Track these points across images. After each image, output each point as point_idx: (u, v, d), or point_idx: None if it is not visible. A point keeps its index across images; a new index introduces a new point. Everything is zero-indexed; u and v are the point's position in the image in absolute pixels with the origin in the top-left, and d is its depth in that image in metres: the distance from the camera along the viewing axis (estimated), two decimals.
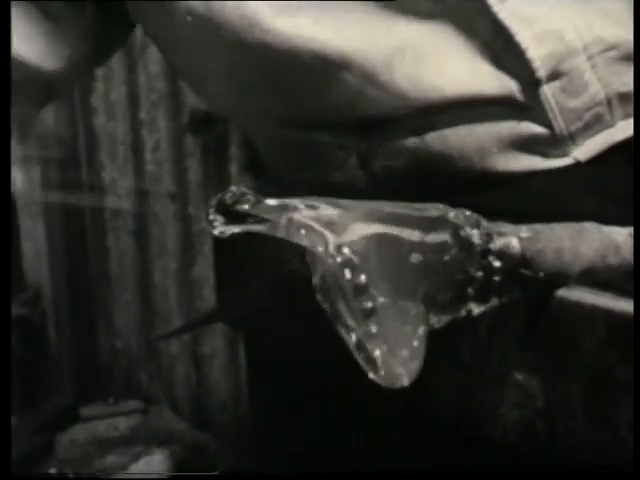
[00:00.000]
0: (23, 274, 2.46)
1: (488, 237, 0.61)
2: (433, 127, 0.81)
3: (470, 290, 0.60)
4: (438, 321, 0.60)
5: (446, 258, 0.59)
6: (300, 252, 0.72)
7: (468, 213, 0.62)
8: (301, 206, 0.59)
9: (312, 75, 0.81)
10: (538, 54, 0.78)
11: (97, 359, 2.40)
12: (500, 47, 0.79)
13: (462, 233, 0.60)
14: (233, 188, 0.60)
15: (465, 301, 0.60)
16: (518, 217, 0.69)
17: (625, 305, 0.61)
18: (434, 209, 0.62)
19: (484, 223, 0.62)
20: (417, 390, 0.71)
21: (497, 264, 0.60)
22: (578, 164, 0.81)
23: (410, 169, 0.83)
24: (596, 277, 0.65)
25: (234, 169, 1.96)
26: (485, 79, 0.80)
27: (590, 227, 0.66)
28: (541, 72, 0.78)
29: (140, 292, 2.29)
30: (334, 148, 0.87)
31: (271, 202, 0.60)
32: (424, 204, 0.63)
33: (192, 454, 1.78)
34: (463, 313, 0.61)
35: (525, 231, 0.63)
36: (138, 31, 2.11)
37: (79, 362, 2.40)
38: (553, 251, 0.63)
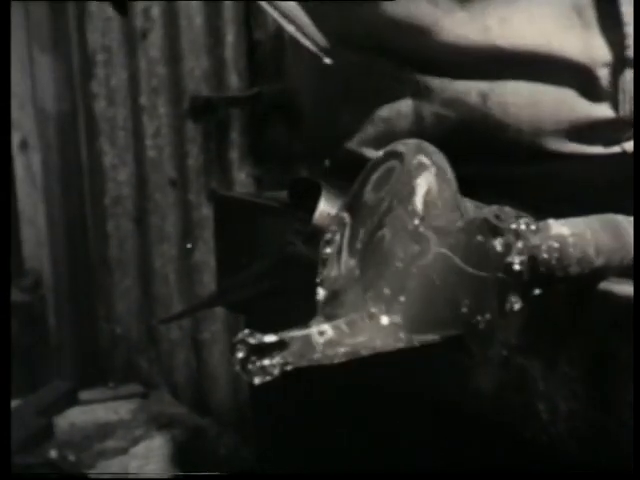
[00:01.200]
0: (23, 260, 2.46)
1: (530, 228, 0.60)
2: (502, 76, 0.80)
3: (513, 282, 0.59)
4: (483, 320, 0.59)
5: (486, 252, 0.58)
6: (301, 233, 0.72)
7: (506, 210, 0.61)
8: None
9: None
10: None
11: (97, 345, 2.40)
12: (600, 14, 0.78)
13: (502, 230, 0.59)
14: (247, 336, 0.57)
15: (507, 296, 0.60)
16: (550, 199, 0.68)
17: (627, 288, 0.61)
18: (473, 209, 0.61)
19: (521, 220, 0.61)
20: (420, 372, 0.72)
21: (543, 250, 0.59)
22: (624, 154, 0.80)
23: (460, 124, 0.82)
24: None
25: (235, 155, 1.96)
26: (573, 41, 0.78)
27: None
28: (630, 52, 0.77)
29: (140, 278, 2.29)
30: (393, 80, 0.85)
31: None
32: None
33: (192, 438, 1.78)
34: (506, 308, 0.60)
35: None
36: (138, 16, 2.11)
37: (79, 348, 2.40)
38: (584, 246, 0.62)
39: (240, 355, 0.54)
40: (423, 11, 0.80)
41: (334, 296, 0.59)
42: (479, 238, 0.58)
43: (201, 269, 2.07)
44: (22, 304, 2.33)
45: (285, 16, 0.70)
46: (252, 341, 0.54)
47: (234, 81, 1.95)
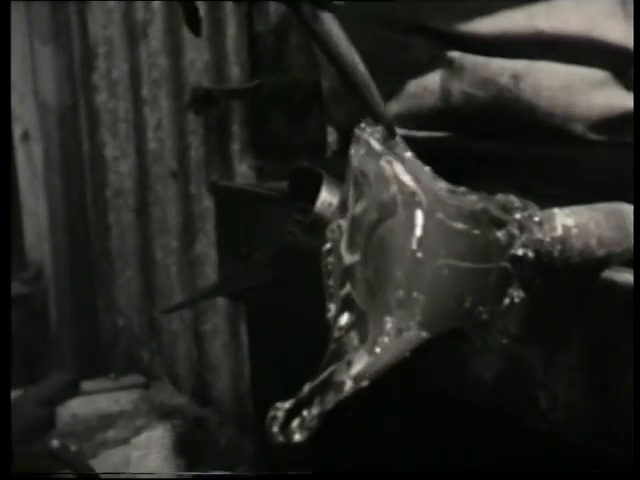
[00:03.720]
0: (25, 252, 2.47)
1: (534, 220, 0.59)
2: (541, 58, 0.80)
3: (516, 273, 0.59)
4: (485, 311, 0.59)
5: (490, 241, 0.58)
6: (302, 222, 0.72)
7: (511, 199, 0.60)
8: None
9: None
10: None
11: (98, 336, 2.40)
12: None
13: (508, 220, 0.59)
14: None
15: (509, 287, 0.59)
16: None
17: (627, 276, 0.61)
18: (478, 199, 0.60)
19: (525, 212, 0.60)
20: (419, 360, 0.72)
21: (547, 240, 0.59)
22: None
23: (489, 104, 0.82)
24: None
25: (236, 147, 1.96)
26: (615, 29, 0.78)
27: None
28: None
29: (141, 270, 2.29)
30: (425, 55, 0.85)
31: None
32: (469, 192, 0.61)
33: (193, 428, 1.78)
34: (507, 300, 0.60)
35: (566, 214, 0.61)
36: (139, 8, 2.11)
37: (80, 339, 2.40)
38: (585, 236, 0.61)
39: (275, 429, 0.54)
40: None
41: (346, 303, 0.59)
42: (482, 229, 0.58)
43: (202, 261, 2.07)
44: (23, 296, 2.33)
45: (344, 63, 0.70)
46: (281, 414, 0.54)
47: (235, 73, 1.95)
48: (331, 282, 0.61)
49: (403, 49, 0.86)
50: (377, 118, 0.67)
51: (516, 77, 0.81)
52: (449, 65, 0.84)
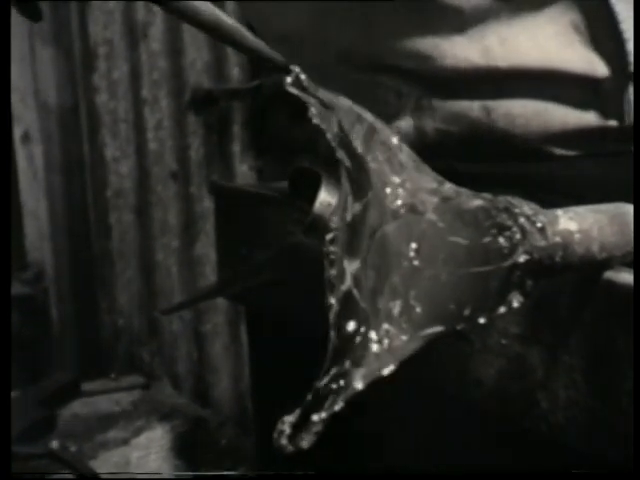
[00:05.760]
0: (25, 253, 2.47)
1: (537, 226, 0.59)
2: (504, 94, 0.80)
3: (516, 279, 0.58)
4: (484, 316, 0.59)
5: (489, 243, 0.58)
6: (301, 222, 0.72)
7: (515, 202, 0.60)
8: None
9: (406, 17, 0.80)
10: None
11: (99, 337, 2.41)
12: (600, 30, 0.77)
13: (509, 222, 0.59)
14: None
15: (509, 293, 0.59)
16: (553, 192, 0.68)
17: (627, 277, 0.61)
18: (481, 201, 0.60)
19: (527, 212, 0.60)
20: (419, 360, 0.72)
21: (545, 243, 0.59)
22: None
23: (464, 137, 0.82)
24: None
25: (236, 148, 1.96)
26: (574, 57, 0.78)
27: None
28: (632, 69, 0.76)
29: (142, 270, 2.29)
30: (392, 94, 0.85)
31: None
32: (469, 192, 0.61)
33: (193, 429, 1.79)
34: (506, 305, 0.59)
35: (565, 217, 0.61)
36: (140, 9, 2.11)
37: (81, 339, 2.41)
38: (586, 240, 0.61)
39: (284, 442, 0.54)
40: (422, 37, 0.80)
41: (347, 300, 0.59)
42: (483, 234, 0.58)
43: (203, 262, 2.07)
44: (24, 296, 2.34)
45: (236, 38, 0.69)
46: (287, 429, 0.54)
47: (235, 73, 1.95)
48: (333, 272, 0.61)
49: (373, 89, 0.86)
50: (264, 60, 0.66)
51: (487, 109, 0.80)
52: (418, 104, 0.83)
